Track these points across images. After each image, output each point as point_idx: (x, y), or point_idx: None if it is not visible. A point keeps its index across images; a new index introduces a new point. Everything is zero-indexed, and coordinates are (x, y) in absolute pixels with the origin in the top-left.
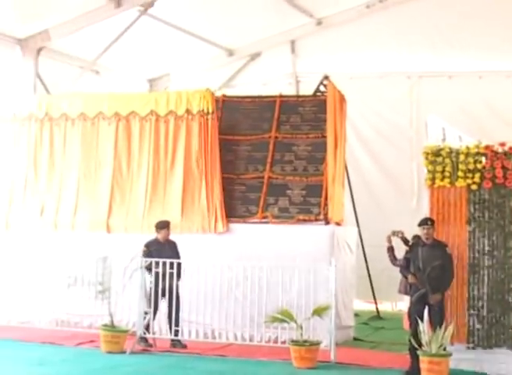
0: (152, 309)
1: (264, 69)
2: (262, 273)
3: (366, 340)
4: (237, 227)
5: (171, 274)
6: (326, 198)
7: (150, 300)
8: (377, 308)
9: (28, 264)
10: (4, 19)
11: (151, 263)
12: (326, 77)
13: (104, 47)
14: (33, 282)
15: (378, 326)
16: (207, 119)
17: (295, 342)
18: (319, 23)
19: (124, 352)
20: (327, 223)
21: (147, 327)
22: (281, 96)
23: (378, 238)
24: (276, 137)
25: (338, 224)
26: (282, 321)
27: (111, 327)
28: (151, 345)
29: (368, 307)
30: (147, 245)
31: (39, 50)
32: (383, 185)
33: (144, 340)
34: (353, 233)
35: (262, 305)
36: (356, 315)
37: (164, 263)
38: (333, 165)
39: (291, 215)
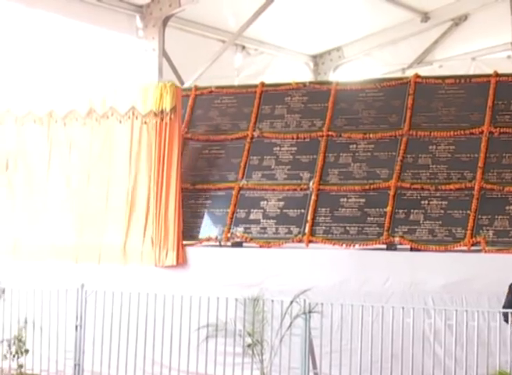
0: None
1: (473, 38)
2: (471, 320)
3: None
4: (433, 257)
5: None
6: None
7: None
8: None
9: (149, 309)
10: None
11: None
12: None
13: (252, 14)
14: (155, 333)
15: None
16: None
17: None
18: None
19: None
20: None
21: None
22: (497, 75)
23: None
24: (491, 133)
25: None
26: None
27: None
28: None
29: None
30: None
31: (165, 20)
32: None
33: None
34: None
35: (472, 366)
36: None
37: None
38: None
39: None
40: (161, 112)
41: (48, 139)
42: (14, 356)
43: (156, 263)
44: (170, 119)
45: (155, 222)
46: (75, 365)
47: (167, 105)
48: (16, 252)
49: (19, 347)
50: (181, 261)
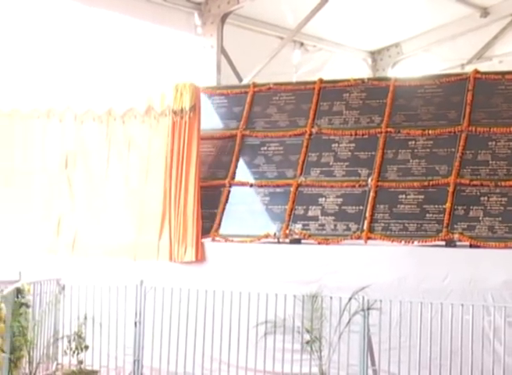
0: None
1: None
2: None
3: None
4: (492, 254)
5: None
6: None
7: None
8: None
9: (207, 305)
10: None
11: None
12: None
13: (310, 11)
14: (214, 330)
15: None
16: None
17: None
18: None
19: None
20: None
21: None
22: None
23: None
24: None
25: None
26: None
27: None
28: None
29: None
30: None
31: (224, 17)
32: None
33: None
34: None
35: None
36: None
37: None
38: None
39: None
40: (181, 110)
41: (106, 137)
42: (74, 352)
43: (175, 259)
44: (189, 117)
45: (174, 219)
46: (134, 361)
47: (186, 103)
48: (76, 249)
49: (79, 343)
50: (200, 257)
